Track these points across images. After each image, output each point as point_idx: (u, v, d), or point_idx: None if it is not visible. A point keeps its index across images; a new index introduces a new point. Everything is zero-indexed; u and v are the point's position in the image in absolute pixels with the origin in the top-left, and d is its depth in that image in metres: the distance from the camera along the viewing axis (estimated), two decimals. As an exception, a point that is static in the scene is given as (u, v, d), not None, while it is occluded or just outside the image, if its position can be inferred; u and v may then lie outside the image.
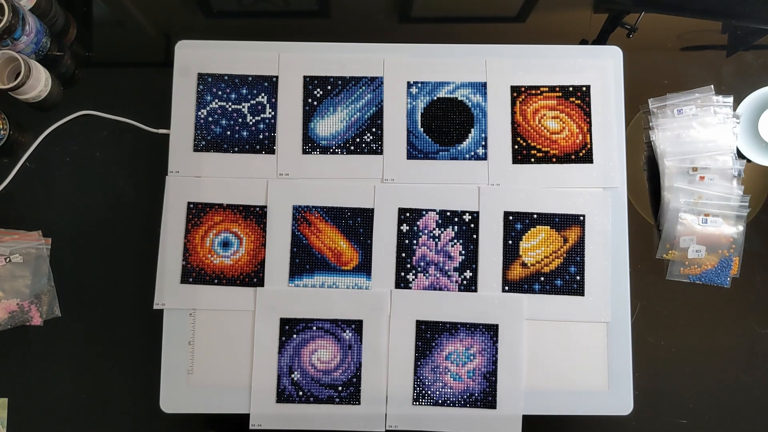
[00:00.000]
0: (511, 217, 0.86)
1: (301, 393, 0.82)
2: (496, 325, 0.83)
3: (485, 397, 0.82)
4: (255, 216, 0.86)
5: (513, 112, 0.88)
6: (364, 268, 0.85)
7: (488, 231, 0.85)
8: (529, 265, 0.85)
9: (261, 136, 0.88)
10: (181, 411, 0.82)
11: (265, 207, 0.86)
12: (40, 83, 0.86)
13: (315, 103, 0.89)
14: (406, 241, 0.85)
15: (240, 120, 0.88)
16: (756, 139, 0.88)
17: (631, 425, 0.84)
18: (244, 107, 0.89)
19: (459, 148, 0.87)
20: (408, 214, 0.86)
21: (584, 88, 0.89)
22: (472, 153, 0.87)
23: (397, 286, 0.84)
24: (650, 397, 0.84)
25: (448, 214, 0.86)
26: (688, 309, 0.87)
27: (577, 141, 0.88)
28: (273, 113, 0.89)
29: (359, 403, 0.82)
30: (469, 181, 0.87)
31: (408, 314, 0.84)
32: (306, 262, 0.85)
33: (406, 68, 0.89)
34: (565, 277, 0.84)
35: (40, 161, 0.89)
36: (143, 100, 0.91)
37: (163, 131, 0.89)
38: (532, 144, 0.87)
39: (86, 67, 0.94)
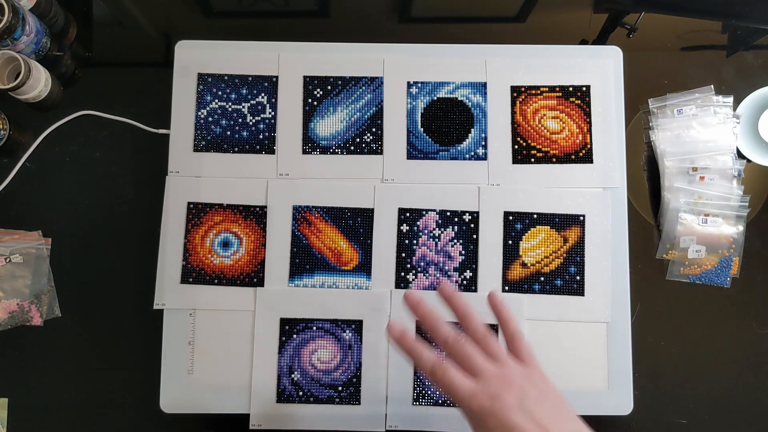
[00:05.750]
0: (511, 217, 0.86)
1: (301, 393, 0.82)
2: (497, 325, 0.83)
3: (485, 397, 0.82)
4: (255, 216, 0.86)
5: (513, 112, 0.88)
6: (364, 268, 0.85)
7: (488, 231, 0.85)
8: (529, 265, 0.85)
9: (261, 136, 0.88)
10: (181, 411, 0.82)
11: (265, 207, 0.86)
12: (40, 83, 0.86)
13: (315, 103, 0.89)
14: (406, 241, 0.85)
15: (240, 120, 0.88)
16: (756, 139, 0.88)
17: (631, 425, 0.84)
18: (244, 107, 0.89)
19: (459, 148, 0.87)
20: (408, 214, 0.86)
21: (584, 88, 0.89)
22: (472, 153, 0.87)
23: (397, 286, 0.84)
24: (650, 397, 0.84)
25: (448, 214, 0.86)
26: (688, 309, 0.87)
27: (577, 141, 0.88)
28: (273, 113, 0.89)
29: (359, 403, 0.82)
30: (469, 181, 0.87)
31: (408, 314, 0.83)
32: (306, 262, 0.85)
33: (406, 68, 0.89)
34: (565, 277, 0.84)
35: (40, 161, 0.89)
36: (143, 100, 0.91)
37: (163, 131, 0.89)
38: (532, 144, 0.87)
39: (86, 67, 0.94)
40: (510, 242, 0.85)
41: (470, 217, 0.86)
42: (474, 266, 0.85)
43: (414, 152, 0.87)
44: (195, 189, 0.86)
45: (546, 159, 0.87)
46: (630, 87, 0.89)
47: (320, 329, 0.84)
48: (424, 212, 0.86)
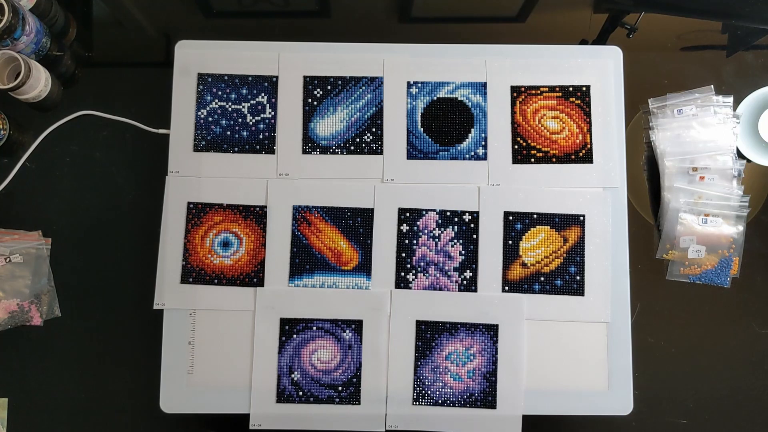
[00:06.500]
0: (511, 217, 0.86)
1: (301, 393, 0.82)
2: (496, 325, 0.83)
3: (485, 397, 0.82)
4: (255, 216, 0.86)
5: (513, 112, 0.88)
6: (364, 268, 0.85)
7: (488, 231, 0.85)
8: (529, 265, 0.85)
9: (261, 136, 0.88)
10: (181, 411, 0.82)
11: (265, 207, 0.86)
12: (40, 83, 0.86)
13: (315, 103, 0.89)
14: (406, 241, 0.85)
15: (240, 120, 0.88)
16: (756, 139, 0.88)
17: (631, 425, 0.84)
18: (244, 107, 0.89)
19: (459, 148, 0.87)
20: (408, 214, 0.86)
21: (584, 88, 0.89)
22: (472, 153, 0.87)
23: (397, 286, 0.84)
24: (650, 397, 0.84)
25: (448, 214, 0.86)
26: (688, 309, 0.87)
27: (577, 141, 0.88)
28: (273, 113, 0.89)
29: (359, 403, 0.82)
30: (469, 181, 0.87)
31: (408, 314, 0.84)
32: (306, 262, 0.85)
33: (406, 68, 0.89)
34: (565, 277, 0.84)
35: (40, 161, 0.89)
36: (143, 100, 0.91)
37: (163, 131, 0.89)
38: (532, 144, 0.87)
39: (86, 67, 0.94)
40: (510, 242, 0.85)
41: (470, 217, 0.86)
42: (474, 266, 0.85)
43: (414, 152, 0.87)
44: (195, 189, 0.86)
45: (546, 159, 0.87)
46: (630, 87, 0.89)
47: (320, 329, 0.84)
48: (424, 212, 0.86)
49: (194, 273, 0.85)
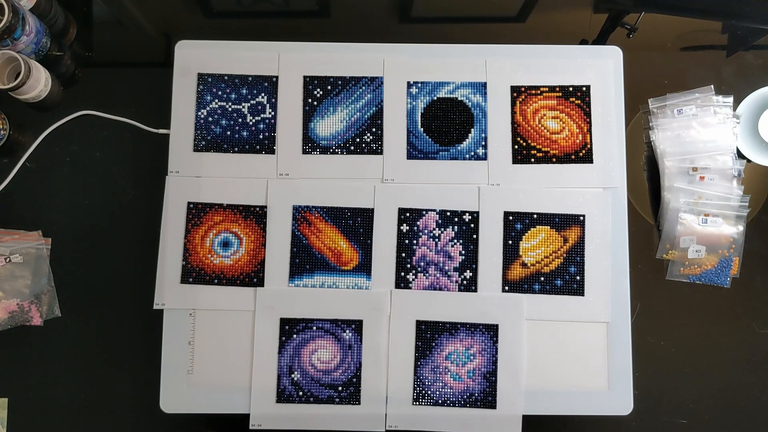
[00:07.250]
0: (511, 217, 0.86)
1: (301, 393, 0.82)
2: (496, 325, 0.83)
3: (485, 397, 0.82)
4: (255, 216, 0.86)
5: (513, 112, 0.88)
6: (364, 268, 0.85)
7: (488, 231, 0.85)
8: (529, 265, 0.85)
9: (261, 136, 0.88)
10: (181, 411, 0.82)
11: (265, 207, 0.86)
12: (40, 83, 0.86)
13: (315, 103, 0.89)
14: (406, 241, 0.85)
15: (240, 120, 0.88)
16: (756, 139, 0.88)
17: (631, 425, 0.84)
18: (244, 107, 0.89)
19: (459, 148, 0.87)
20: (408, 214, 0.86)
21: (584, 88, 0.89)
22: (472, 153, 0.87)
23: (397, 286, 0.84)
24: (650, 397, 0.84)
25: (448, 214, 0.86)
26: (688, 309, 0.87)
27: (577, 141, 0.88)
28: (273, 113, 0.89)
29: (359, 403, 0.82)
30: (469, 181, 0.87)
31: (408, 314, 0.84)
32: (306, 262, 0.85)
33: (406, 68, 0.89)
34: (565, 277, 0.84)
35: (40, 161, 0.89)
36: (143, 100, 0.91)
37: (163, 131, 0.89)
38: (532, 144, 0.87)
39: (86, 67, 0.94)
40: (510, 242, 0.85)
41: (470, 217, 0.86)
42: (474, 266, 0.85)
43: (414, 152, 0.87)
44: (195, 189, 0.86)
45: (546, 159, 0.87)
46: (630, 87, 0.89)
47: (320, 329, 0.84)
48: (424, 212, 0.86)
49: (194, 273, 0.85)
